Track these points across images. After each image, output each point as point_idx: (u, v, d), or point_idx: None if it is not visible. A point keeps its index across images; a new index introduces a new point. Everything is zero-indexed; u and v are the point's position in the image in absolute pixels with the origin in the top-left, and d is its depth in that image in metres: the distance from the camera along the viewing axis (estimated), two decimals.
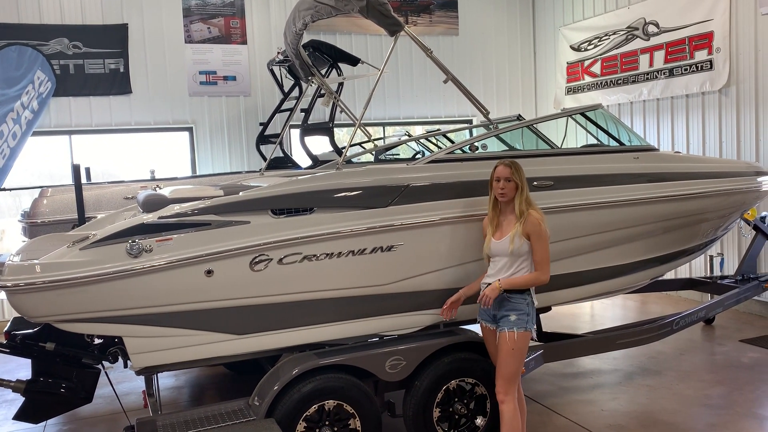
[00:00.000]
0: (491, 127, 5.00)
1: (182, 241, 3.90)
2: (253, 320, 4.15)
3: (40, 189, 6.91)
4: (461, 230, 4.49)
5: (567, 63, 10.85)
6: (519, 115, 6.47)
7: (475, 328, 4.59)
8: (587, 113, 5.63)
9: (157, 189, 5.39)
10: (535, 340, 4.01)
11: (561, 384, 5.96)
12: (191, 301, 3.96)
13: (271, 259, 4.04)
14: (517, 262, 3.99)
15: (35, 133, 8.61)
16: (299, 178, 4.34)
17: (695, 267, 8.62)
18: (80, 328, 3.89)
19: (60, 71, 8.91)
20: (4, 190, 7.52)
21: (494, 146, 6.27)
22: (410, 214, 4.36)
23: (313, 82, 6.55)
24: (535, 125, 5.34)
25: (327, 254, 4.16)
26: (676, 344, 6.82)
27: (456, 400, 4.52)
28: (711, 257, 8.16)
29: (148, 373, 4.14)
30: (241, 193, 4.13)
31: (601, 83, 10.14)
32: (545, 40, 11.48)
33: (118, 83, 9.24)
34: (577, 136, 7.86)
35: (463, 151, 5.50)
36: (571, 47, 10.72)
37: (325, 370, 4.23)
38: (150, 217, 3.98)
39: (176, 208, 4.05)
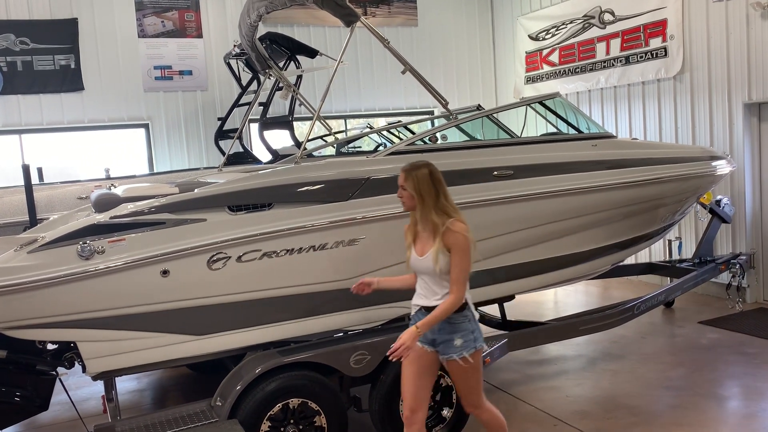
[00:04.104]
0: (451, 117, 4.97)
1: (136, 242, 3.79)
2: (213, 320, 4.06)
3: None
4: None
5: (526, 52, 10.90)
6: (479, 105, 6.46)
7: None
8: (545, 102, 5.66)
9: (111, 188, 5.24)
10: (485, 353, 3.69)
11: (526, 371, 6.00)
12: (147, 303, 3.86)
13: (230, 257, 3.96)
14: (446, 280, 3.47)
15: None
16: (257, 173, 4.25)
17: (654, 252, 8.78)
18: (31, 335, 3.76)
19: (7, 68, 8.59)
20: None
21: (455, 137, 6.26)
22: (372, 207, 4.31)
23: (270, 75, 6.44)
24: (494, 115, 5.34)
25: (287, 250, 4.09)
26: (638, 328, 6.93)
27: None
28: (669, 241, 8.31)
29: (105, 377, 4.02)
30: (196, 190, 4.03)
31: (560, 72, 10.22)
32: (504, 30, 11.52)
33: (69, 80, 8.94)
34: (537, 125, 7.91)
35: (425, 143, 5.48)
36: (530, 36, 10.78)
37: (289, 368, 4.16)
38: (102, 218, 3.85)
39: (129, 207, 3.93)
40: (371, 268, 4.33)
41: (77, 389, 6.17)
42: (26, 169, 6.04)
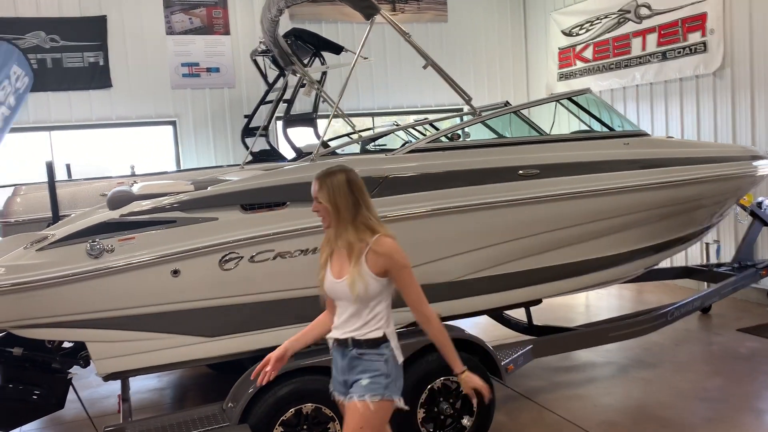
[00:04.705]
0: (474, 114, 4.78)
1: (146, 240, 3.70)
2: (225, 322, 3.95)
3: (13, 187, 6.69)
4: (443, 223, 4.29)
5: (558, 48, 10.61)
6: (506, 101, 6.26)
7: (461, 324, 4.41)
8: (575, 98, 5.42)
9: (132, 185, 5.19)
10: (404, 410, 2.99)
11: (553, 378, 5.77)
12: (157, 303, 3.77)
13: (242, 257, 3.84)
14: (368, 308, 2.87)
15: (13, 130, 8.37)
16: (270, 171, 4.13)
17: (691, 255, 8.43)
18: (39, 334, 3.70)
19: (37, 65, 8.67)
20: None
21: (482, 134, 6.08)
22: (389, 207, 4.15)
23: (294, 71, 6.34)
24: (521, 111, 5.13)
25: (301, 251, 3.96)
26: (673, 335, 6.64)
27: (441, 399, 4.33)
28: (707, 245, 7.97)
29: (115, 378, 3.95)
30: (209, 188, 3.93)
31: (593, 68, 9.91)
32: (536, 26, 11.24)
33: (98, 77, 9.00)
34: (569, 123, 7.66)
35: (449, 139, 5.31)
36: (563, 32, 10.48)
37: (303, 372, 4.04)
38: (113, 215, 3.78)
39: (141, 205, 3.84)
40: None
41: (97, 386, 6.15)
42: (50, 166, 6.08)
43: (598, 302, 8.25)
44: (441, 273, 4.38)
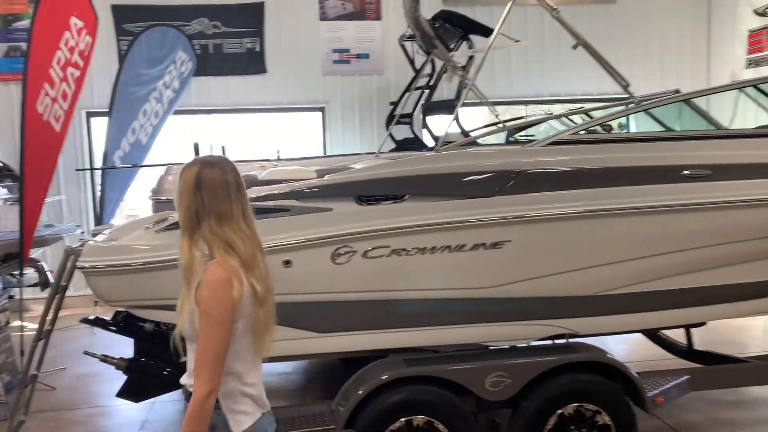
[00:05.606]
0: (633, 102, 4.13)
1: (259, 228, 3.55)
2: (336, 318, 3.73)
3: (166, 167, 7.02)
4: (587, 228, 3.74)
5: (749, 31, 9.25)
6: (677, 90, 5.44)
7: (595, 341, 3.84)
8: (762, 86, 4.53)
9: (266, 170, 5.17)
10: None
11: (714, 414, 4.93)
12: None
13: (355, 252, 3.58)
14: None
15: (176, 112, 8.87)
16: (390, 161, 3.83)
17: None
18: (155, 315, 3.72)
19: (200, 51, 9.09)
20: (136, 167, 7.78)
21: (647, 126, 5.36)
22: (522, 206, 3.68)
23: (437, 55, 6.00)
24: (693, 100, 4.38)
25: (419, 249, 3.62)
26: None
27: (573, 428, 3.80)
28: None
29: None
30: (326, 177, 3.71)
31: None
32: (722, 6, 9.89)
33: (254, 63, 9.27)
34: (757, 116, 6.56)
35: (603, 130, 4.70)
36: (755, 12, 9.12)
37: (417, 381, 3.72)
38: None
39: (257, 191, 3.72)
40: (516, 278, 3.71)
41: None
42: (197, 147, 6.26)
43: None
44: (582, 285, 3.84)
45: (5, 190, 6.88)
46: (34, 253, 6.85)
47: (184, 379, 2.34)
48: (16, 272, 6.05)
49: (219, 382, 2.15)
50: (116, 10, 8.90)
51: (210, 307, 2.12)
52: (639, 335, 5.57)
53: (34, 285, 6.57)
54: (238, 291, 2.14)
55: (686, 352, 4.99)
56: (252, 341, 2.27)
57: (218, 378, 2.14)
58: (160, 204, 6.73)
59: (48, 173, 5.93)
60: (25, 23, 8.56)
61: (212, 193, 2.22)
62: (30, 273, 6.63)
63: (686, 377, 4.11)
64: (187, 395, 2.25)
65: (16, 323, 5.92)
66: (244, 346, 2.25)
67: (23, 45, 7.71)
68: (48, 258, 7.73)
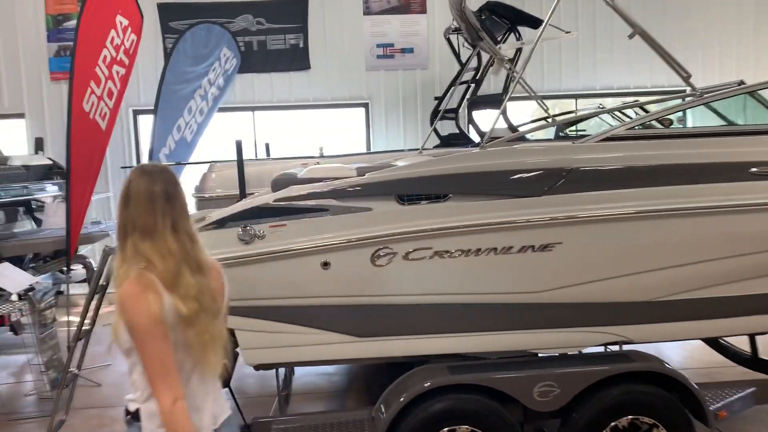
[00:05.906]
0: (695, 95, 3.86)
1: (297, 228, 3.45)
2: (376, 322, 3.59)
3: (209, 164, 7.01)
4: (641, 229, 3.51)
5: None
6: (741, 81, 5.10)
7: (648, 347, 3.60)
8: None
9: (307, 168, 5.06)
10: None
11: None
12: (306, 296, 3.52)
13: (396, 253, 3.43)
14: (131, 366, 2.18)
15: (220, 109, 8.88)
16: (433, 158, 3.66)
17: None
18: None
19: (244, 48, 9.08)
20: (180, 164, 7.81)
21: (708, 121, 5.05)
22: (573, 206, 3.46)
23: (483, 48, 5.79)
24: (759, 92, 4.07)
25: (463, 251, 3.44)
26: None
27: None
28: None
29: (264, 369, 3.80)
30: (366, 175, 3.57)
31: None
32: None
33: (298, 59, 9.23)
34: None
35: (662, 125, 4.43)
36: None
37: (461, 389, 3.55)
38: (267, 199, 3.59)
39: (296, 190, 3.61)
40: (567, 282, 3.50)
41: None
42: (239, 145, 6.20)
43: None
44: (638, 290, 3.60)
45: (56, 188, 6.99)
46: (83, 250, 6.95)
47: (128, 396, 2.23)
48: (65, 268, 6.14)
49: (179, 389, 2.06)
50: (162, 8, 8.97)
51: (133, 323, 2.04)
52: (697, 341, 5.28)
53: (82, 281, 6.66)
54: (156, 303, 2.04)
55: (751, 360, 4.67)
56: (188, 359, 2.14)
57: (177, 385, 2.06)
58: (203, 201, 6.72)
59: (94, 171, 5.98)
60: (74, 23, 8.70)
61: (137, 206, 2.12)
62: (78, 269, 6.73)
63: (751, 389, 3.84)
64: (126, 412, 2.20)
65: (63, 319, 6.00)
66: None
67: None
68: (96, 255, 7.84)
